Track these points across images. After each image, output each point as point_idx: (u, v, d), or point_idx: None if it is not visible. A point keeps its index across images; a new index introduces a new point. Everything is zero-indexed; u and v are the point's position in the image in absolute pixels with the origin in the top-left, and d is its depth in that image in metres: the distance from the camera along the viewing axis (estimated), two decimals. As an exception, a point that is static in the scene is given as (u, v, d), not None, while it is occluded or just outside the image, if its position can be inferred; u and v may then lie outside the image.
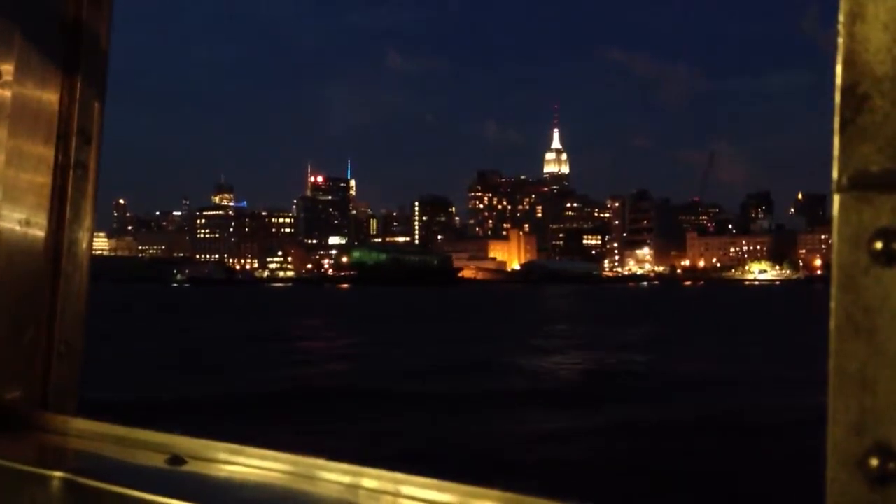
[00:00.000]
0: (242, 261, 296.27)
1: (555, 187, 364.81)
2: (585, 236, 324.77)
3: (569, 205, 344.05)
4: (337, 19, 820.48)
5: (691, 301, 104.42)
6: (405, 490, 1.31)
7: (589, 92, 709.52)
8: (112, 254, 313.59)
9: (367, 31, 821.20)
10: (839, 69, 0.78)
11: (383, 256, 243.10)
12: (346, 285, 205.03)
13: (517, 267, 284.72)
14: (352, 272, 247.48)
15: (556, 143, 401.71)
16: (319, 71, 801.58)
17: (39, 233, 1.90)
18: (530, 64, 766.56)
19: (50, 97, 1.92)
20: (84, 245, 1.97)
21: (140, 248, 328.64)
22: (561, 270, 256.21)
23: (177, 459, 1.53)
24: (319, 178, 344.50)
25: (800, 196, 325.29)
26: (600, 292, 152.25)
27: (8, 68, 1.83)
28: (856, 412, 0.75)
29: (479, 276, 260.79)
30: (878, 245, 0.75)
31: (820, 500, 0.77)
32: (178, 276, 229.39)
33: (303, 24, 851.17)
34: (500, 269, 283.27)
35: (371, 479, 1.36)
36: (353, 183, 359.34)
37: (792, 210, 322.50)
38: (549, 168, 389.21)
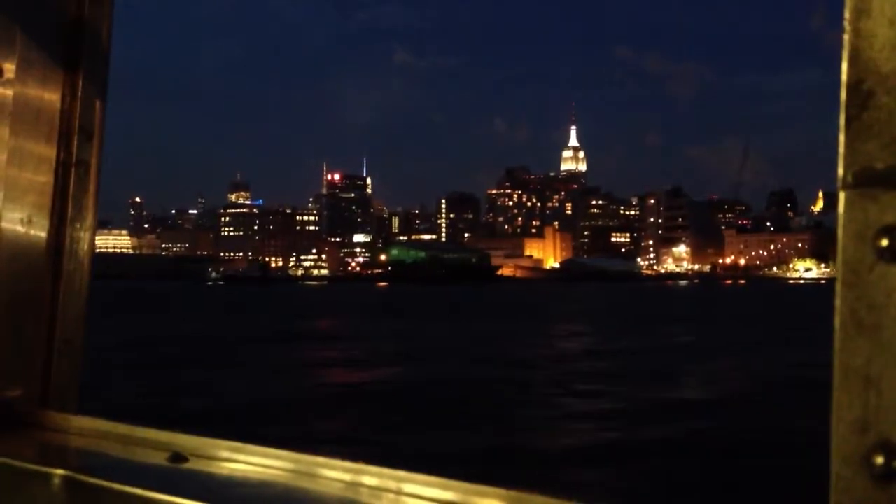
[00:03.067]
0: (267, 259, 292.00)
1: (575, 185, 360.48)
2: (613, 234, 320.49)
3: (594, 202, 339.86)
4: (346, 17, 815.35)
5: (770, 299, 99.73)
6: (407, 488, 1.30)
7: (601, 90, 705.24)
8: (137, 251, 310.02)
9: (375, 29, 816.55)
10: (844, 66, 0.78)
11: (422, 254, 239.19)
12: (384, 283, 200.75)
13: (554, 265, 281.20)
14: (380, 270, 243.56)
15: (573, 141, 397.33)
16: (330, 69, 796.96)
17: (41, 231, 1.90)
18: (541, 62, 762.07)
19: (51, 95, 1.92)
20: (86, 243, 1.98)
21: (163, 245, 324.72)
22: (600, 269, 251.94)
23: (178, 457, 1.53)
24: (336, 176, 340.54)
25: (820, 194, 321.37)
26: (655, 291, 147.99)
27: (9, 66, 1.83)
28: (860, 409, 0.75)
29: (518, 273, 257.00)
30: (884, 242, 0.75)
31: (824, 497, 0.76)
32: (213, 274, 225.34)
33: (311, 22, 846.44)
34: (537, 266, 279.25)
35: (372, 476, 1.35)
36: (368, 181, 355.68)
37: (813, 208, 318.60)
38: (567, 166, 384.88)
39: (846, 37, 0.77)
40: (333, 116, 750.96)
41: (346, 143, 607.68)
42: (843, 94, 0.77)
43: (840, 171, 0.77)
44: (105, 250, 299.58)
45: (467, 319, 54.12)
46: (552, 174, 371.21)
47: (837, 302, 0.76)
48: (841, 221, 0.77)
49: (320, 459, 1.41)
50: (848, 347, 0.76)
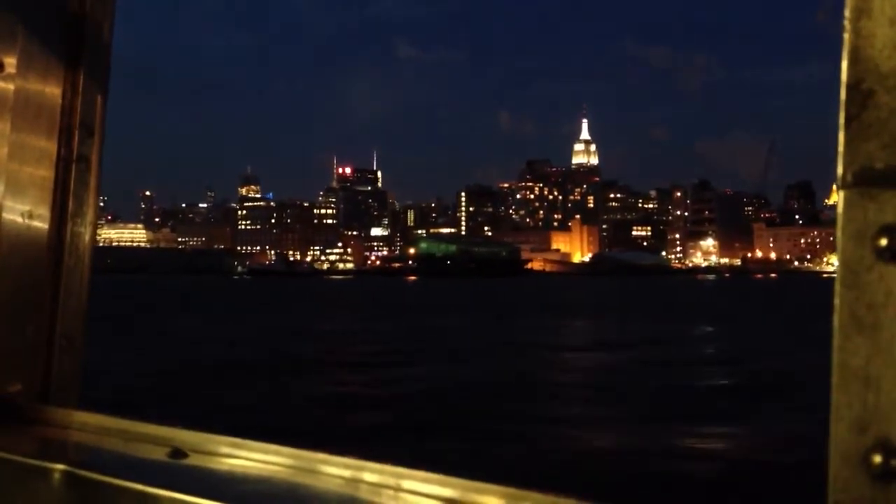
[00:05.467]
0: (285, 252, 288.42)
1: (596, 178, 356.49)
2: (635, 227, 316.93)
3: (612, 195, 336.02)
4: (352, 11, 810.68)
5: (818, 294, 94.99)
6: (406, 484, 1.30)
7: (609, 83, 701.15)
8: (155, 245, 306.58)
9: (381, 22, 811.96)
10: (844, 65, 0.78)
11: (452, 248, 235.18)
12: (413, 277, 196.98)
13: (584, 259, 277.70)
14: (400, 263, 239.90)
15: (584, 135, 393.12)
16: (336, 63, 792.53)
17: (42, 226, 1.90)
18: (547, 56, 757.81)
19: (53, 90, 1.91)
20: (86, 238, 1.97)
21: (179, 239, 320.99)
22: (632, 263, 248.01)
23: (178, 453, 1.52)
24: (347, 170, 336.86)
25: (834, 187, 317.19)
26: (694, 286, 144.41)
27: (11, 61, 1.82)
28: (859, 409, 0.75)
29: (547, 268, 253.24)
30: (883, 241, 0.75)
31: (822, 497, 0.76)
32: (239, 269, 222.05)
33: (318, 16, 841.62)
34: (565, 260, 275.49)
35: (372, 473, 1.35)
36: (379, 174, 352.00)
37: (827, 201, 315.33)
38: (578, 159, 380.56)
39: (846, 36, 0.78)
40: (339, 111, 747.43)
41: (354, 137, 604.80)
42: (843, 94, 0.78)
43: (839, 170, 0.77)
44: (121, 244, 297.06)
45: (552, 318, 50.53)
46: (573, 166, 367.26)
47: (836, 301, 0.77)
48: (840, 221, 0.77)
49: (320, 456, 1.41)
50: (847, 347, 0.76)
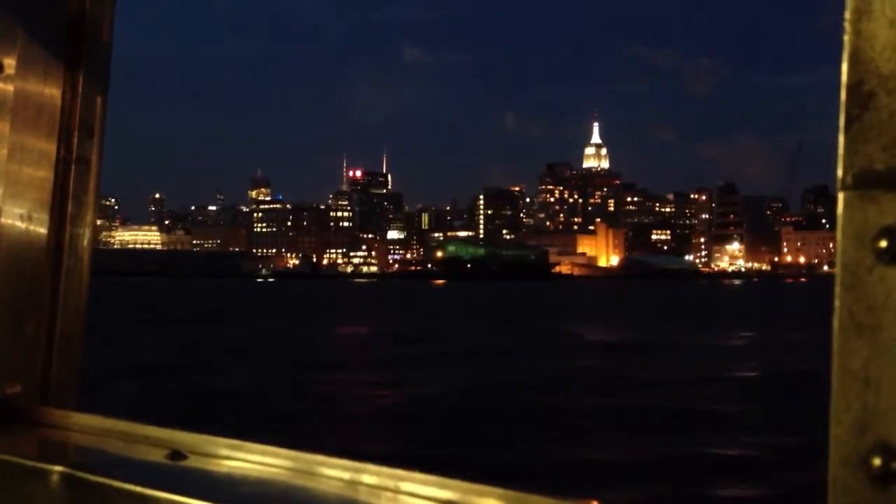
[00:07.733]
0: (306, 255, 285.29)
1: (617, 181, 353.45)
2: (654, 231, 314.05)
3: (629, 199, 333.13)
4: (359, 14, 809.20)
5: None
6: (405, 486, 1.30)
7: (615, 86, 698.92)
8: (171, 247, 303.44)
9: (388, 26, 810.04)
10: (845, 66, 0.78)
11: (481, 251, 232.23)
12: (441, 281, 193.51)
13: (612, 262, 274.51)
14: (417, 266, 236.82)
15: (595, 138, 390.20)
16: (341, 67, 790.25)
17: (41, 228, 1.90)
18: (555, 59, 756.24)
19: (52, 91, 1.91)
20: (85, 240, 1.97)
21: (194, 241, 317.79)
22: (661, 266, 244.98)
23: (177, 454, 1.52)
24: (357, 173, 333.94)
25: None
26: (737, 291, 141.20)
27: (10, 62, 1.82)
28: (858, 411, 0.75)
29: (575, 271, 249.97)
30: (883, 243, 0.75)
31: (822, 499, 0.76)
32: (263, 271, 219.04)
33: (325, 19, 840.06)
34: (591, 263, 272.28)
35: (371, 475, 1.35)
36: (389, 177, 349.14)
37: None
38: (589, 163, 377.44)
39: (847, 38, 0.77)
40: (347, 114, 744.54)
41: (362, 139, 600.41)
42: (844, 95, 0.78)
43: (839, 172, 0.77)
44: (136, 246, 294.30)
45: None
46: (592, 170, 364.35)
47: (836, 303, 0.76)
48: (840, 223, 0.77)
49: (319, 458, 1.40)
50: (846, 349, 0.75)
